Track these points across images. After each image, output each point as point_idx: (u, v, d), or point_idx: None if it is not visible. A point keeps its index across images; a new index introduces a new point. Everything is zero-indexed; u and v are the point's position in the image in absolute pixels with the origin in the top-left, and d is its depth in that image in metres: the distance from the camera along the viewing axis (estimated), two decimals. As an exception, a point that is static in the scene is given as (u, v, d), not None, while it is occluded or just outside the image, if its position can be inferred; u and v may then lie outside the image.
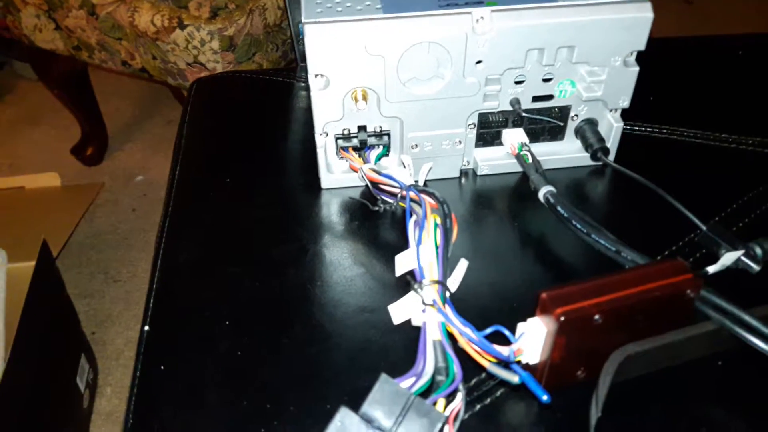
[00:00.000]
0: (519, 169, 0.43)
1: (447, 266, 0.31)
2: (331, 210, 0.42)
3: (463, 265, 0.33)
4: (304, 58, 0.57)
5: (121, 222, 1.17)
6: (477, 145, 0.44)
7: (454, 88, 0.39)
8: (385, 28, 0.37)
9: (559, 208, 0.37)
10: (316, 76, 0.38)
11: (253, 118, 0.51)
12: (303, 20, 0.37)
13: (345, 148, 0.41)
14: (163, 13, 0.88)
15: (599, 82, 0.40)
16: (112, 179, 1.25)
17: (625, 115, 0.42)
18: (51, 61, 1.10)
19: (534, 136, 0.43)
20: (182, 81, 0.94)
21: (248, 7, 0.89)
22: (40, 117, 1.39)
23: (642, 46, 0.39)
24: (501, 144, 0.44)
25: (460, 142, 0.42)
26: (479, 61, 0.38)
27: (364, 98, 0.39)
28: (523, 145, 0.42)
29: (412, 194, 0.35)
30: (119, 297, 1.04)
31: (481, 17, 0.37)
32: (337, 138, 0.41)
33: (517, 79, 0.40)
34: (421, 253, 0.31)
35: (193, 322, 0.35)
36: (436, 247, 0.31)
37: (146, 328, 0.34)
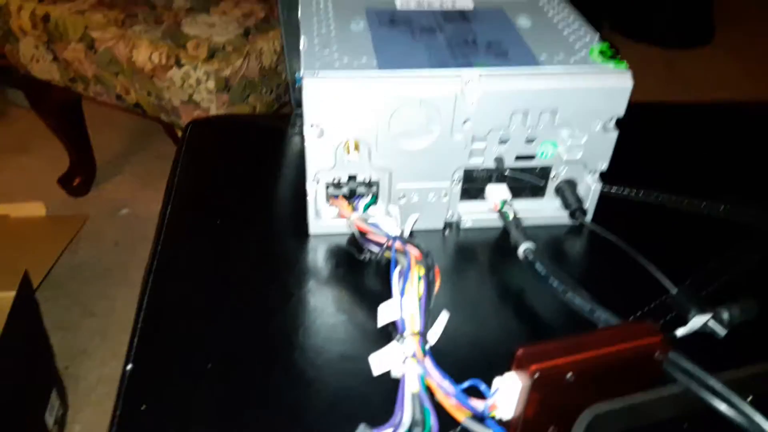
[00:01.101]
0: (501, 224, 0.44)
1: (428, 318, 0.32)
2: (318, 256, 0.43)
3: (444, 317, 0.34)
4: (299, 105, 0.59)
5: (103, 255, 1.17)
6: (462, 199, 0.45)
7: (441, 144, 0.41)
8: (380, 86, 0.39)
9: (536, 266, 0.38)
10: (311, 126, 0.40)
11: (246, 162, 0.53)
12: (303, 73, 0.39)
13: (335, 196, 0.43)
14: (161, 50, 0.90)
15: (579, 146, 0.42)
16: (98, 211, 1.25)
17: (604, 177, 0.44)
18: (45, 91, 1.12)
19: (516, 192, 0.45)
20: (176, 118, 0.96)
21: (245, 50, 0.91)
22: (29, 145, 1.40)
23: (621, 113, 0.41)
24: (484, 198, 0.45)
25: (445, 195, 0.44)
26: (466, 120, 0.40)
27: (356, 149, 0.41)
28: (505, 201, 0.44)
29: (397, 245, 0.37)
30: (95, 331, 1.03)
31: (470, 80, 0.39)
32: (328, 186, 0.43)
33: (501, 139, 0.42)
34: (404, 304, 0.32)
35: (176, 362, 0.35)
36: (419, 299, 0.32)
37: (129, 366, 0.35)
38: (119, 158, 1.39)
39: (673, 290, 0.37)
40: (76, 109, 1.21)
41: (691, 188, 0.49)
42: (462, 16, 0.47)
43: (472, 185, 0.45)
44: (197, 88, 0.90)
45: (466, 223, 0.45)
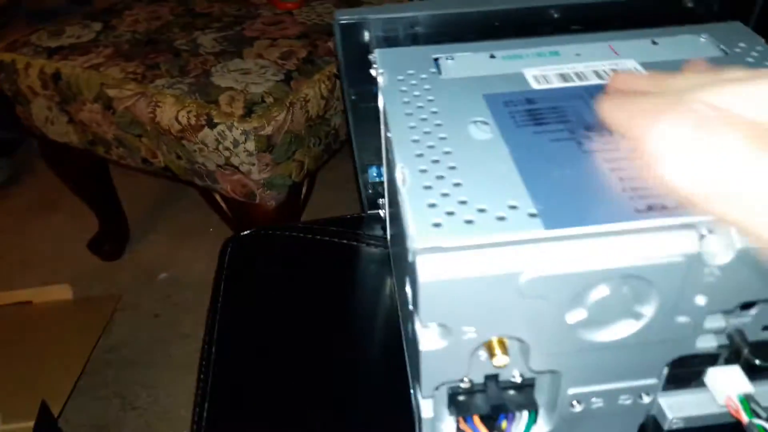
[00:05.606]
0: (729, 419, 0.27)
1: None
2: None
3: None
4: (372, 206, 0.43)
5: (141, 331, 1.03)
6: (666, 389, 0.28)
7: (655, 330, 0.24)
8: (553, 255, 0.21)
9: None
10: (429, 323, 0.23)
11: (302, 292, 0.36)
12: (412, 245, 0.22)
13: (467, 417, 0.26)
14: (190, 108, 0.75)
15: None
16: (133, 277, 1.12)
17: None
18: (65, 153, 0.98)
19: (757, 376, 0.27)
20: (211, 183, 0.81)
21: (288, 101, 0.75)
22: (57, 202, 1.28)
23: None
24: (700, 387, 0.28)
25: (648, 394, 0.27)
26: (701, 293, 0.23)
27: (502, 349, 0.24)
28: (746, 396, 0.26)
29: None
30: (138, 429, 0.89)
31: (713, 230, 0.22)
32: (452, 395, 0.26)
33: (744, 304, 0.25)
34: None
35: None
36: None
37: None
38: (153, 214, 1.25)
39: None
40: (101, 170, 1.07)
41: None
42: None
43: (686, 371, 0.27)
44: (235, 150, 0.74)
45: (675, 423, 0.28)
